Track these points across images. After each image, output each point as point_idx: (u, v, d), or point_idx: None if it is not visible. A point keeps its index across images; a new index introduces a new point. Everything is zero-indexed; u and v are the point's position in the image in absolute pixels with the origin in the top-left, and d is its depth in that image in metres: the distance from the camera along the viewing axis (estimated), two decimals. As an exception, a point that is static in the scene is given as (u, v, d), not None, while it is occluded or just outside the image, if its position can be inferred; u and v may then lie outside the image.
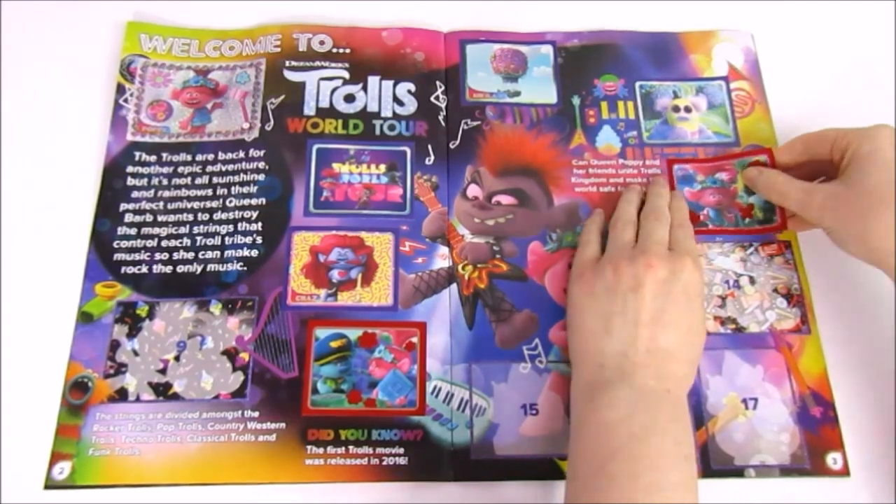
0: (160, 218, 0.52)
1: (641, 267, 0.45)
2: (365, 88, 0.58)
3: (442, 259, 0.52)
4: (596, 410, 0.42)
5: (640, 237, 0.49)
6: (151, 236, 0.52)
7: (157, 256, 0.51)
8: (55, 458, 0.45)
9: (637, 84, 0.59)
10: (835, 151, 0.49)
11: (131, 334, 0.49)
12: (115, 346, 0.49)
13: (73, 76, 0.58)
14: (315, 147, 0.55)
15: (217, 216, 0.53)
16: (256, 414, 0.47)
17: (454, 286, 0.51)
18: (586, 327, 0.46)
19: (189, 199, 0.53)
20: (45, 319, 0.49)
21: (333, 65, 0.58)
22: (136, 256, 0.51)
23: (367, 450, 0.47)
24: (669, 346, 0.44)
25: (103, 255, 0.51)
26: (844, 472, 0.47)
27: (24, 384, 0.48)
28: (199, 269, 0.51)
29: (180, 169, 0.54)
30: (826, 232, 0.48)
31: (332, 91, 0.57)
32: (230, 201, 0.53)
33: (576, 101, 0.58)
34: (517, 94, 0.59)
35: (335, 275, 0.51)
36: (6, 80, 0.58)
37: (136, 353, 0.48)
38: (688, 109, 0.58)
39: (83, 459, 0.45)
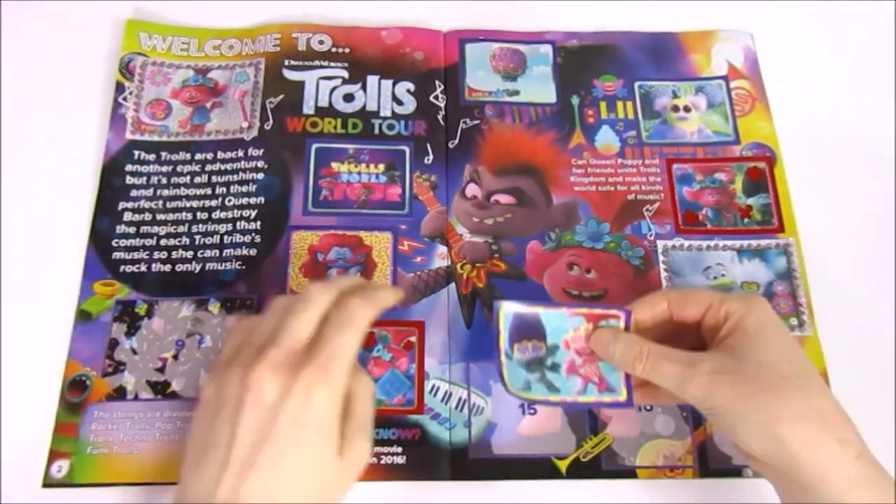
0: (159, 217, 0.53)
1: (243, 386, 0.34)
2: (364, 88, 0.58)
3: (440, 258, 0.52)
4: None
5: (274, 331, 0.37)
6: (150, 235, 0.52)
7: (156, 255, 0.51)
8: (53, 456, 0.45)
9: (636, 84, 0.59)
10: (709, 318, 0.41)
11: (130, 333, 0.49)
12: (113, 344, 0.49)
13: (73, 74, 0.58)
14: (314, 146, 0.55)
15: (216, 215, 0.53)
16: (255, 413, 0.47)
17: (452, 285, 0.51)
18: (186, 451, 0.36)
19: (188, 197, 0.53)
20: (44, 317, 0.49)
21: (333, 64, 0.58)
22: (135, 255, 0.51)
23: (365, 449, 0.47)
24: (261, 501, 0.33)
25: (102, 254, 0.51)
26: (843, 472, 0.46)
27: (22, 382, 0.48)
28: (198, 267, 0.51)
29: (179, 168, 0.54)
30: (708, 414, 0.40)
31: (332, 90, 0.57)
32: (229, 200, 0.53)
33: (575, 100, 0.58)
34: (516, 93, 0.59)
35: (334, 274, 0.51)
36: (6, 78, 0.58)
37: (134, 352, 0.48)
38: (687, 109, 0.58)
39: (81, 457, 0.45)
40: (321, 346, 0.36)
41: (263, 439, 0.34)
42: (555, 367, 0.43)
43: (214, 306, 0.50)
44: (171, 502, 0.36)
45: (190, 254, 0.51)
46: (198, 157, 0.55)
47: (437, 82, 0.58)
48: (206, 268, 0.51)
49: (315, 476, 0.35)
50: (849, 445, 0.36)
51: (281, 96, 0.57)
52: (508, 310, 0.43)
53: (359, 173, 0.55)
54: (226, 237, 0.52)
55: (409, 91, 0.58)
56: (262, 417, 0.34)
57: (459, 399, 0.48)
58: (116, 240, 0.52)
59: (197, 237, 0.52)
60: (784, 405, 0.36)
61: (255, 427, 0.34)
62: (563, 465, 0.46)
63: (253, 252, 0.51)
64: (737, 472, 0.46)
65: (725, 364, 0.38)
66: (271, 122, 0.56)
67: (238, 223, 0.52)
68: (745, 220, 0.54)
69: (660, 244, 0.53)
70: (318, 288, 0.39)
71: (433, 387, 0.48)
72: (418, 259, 0.52)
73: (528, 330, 0.43)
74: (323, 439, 0.35)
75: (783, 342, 0.39)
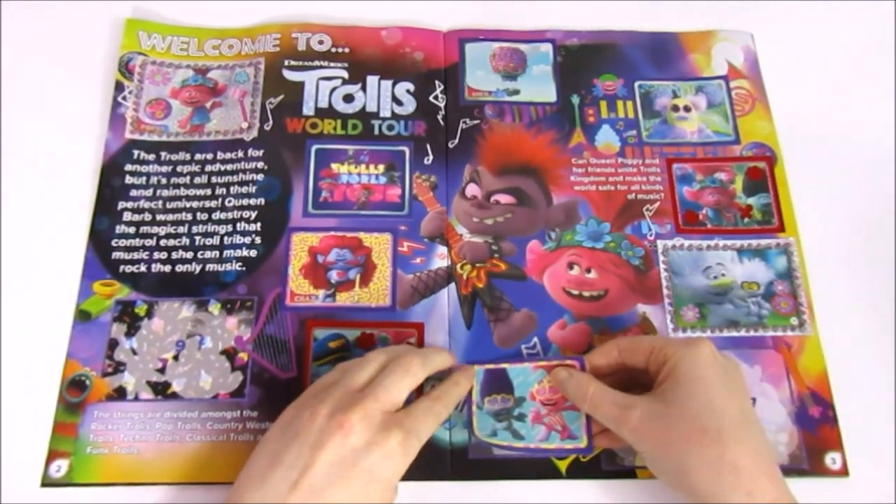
0: (159, 217, 0.52)
1: (334, 423, 0.38)
2: (364, 88, 0.58)
3: (440, 259, 0.52)
4: None
5: (370, 385, 0.41)
6: (150, 235, 0.52)
7: (156, 255, 0.51)
8: (52, 455, 0.45)
9: (636, 84, 0.59)
10: (651, 363, 0.43)
11: (130, 333, 0.49)
12: (113, 344, 0.49)
13: (72, 73, 0.58)
14: (314, 148, 0.55)
15: (216, 216, 0.53)
16: (255, 413, 0.47)
17: (452, 286, 0.51)
18: (252, 461, 0.39)
19: (188, 198, 0.53)
20: (43, 317, 0.49)
21: (332, 64, 0.58)
22: (135, 255, 0.51)
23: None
24: None
25: (101, 254, 0.51)
26: (843, 472, 0.47)
27: (21, 382, 0.48)
28: (198, 268, 0.51)
29: (179, 168, 0.54)
30: (641, 455, 0.42)
31: (332, 91, 0.57)
32: (229, 201, 0.53)
33: (575, 99, 0.58)
34: (516, 92, 0.58)
35: (334, 275, 0.51)
36: (5, 78, 0.58)
37: (134, 352, 0.48)
38: (687, 109, 0.58)
39: (81, 457, 0.45)
40: (411, 413, 0.41)
41: (339, 475, 0.37)
42: (521, 417, 0.46)
43: (215, 307, 0.50)
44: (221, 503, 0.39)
45: (190, 254, 0.51)
46: (197, 157, 0.55)
47: (436, 82, 0.58)
48: (206, 269, 0.51)
49: None
50: (757, 497, 0.37)
51: (281, 97, 0.57)
52: (479, 367, 0.47)
53: (358, 174, 0.55)
54: (226, 238, 0.52)
55: (408, 91, 0.58)
56: (343, 456, 0.37)
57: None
58: (116, 240, 0.52)
59: (197, 238, 0.52)
60: (697, 459, 0.38)
61: (334, 462, 0.37)
62: (562, 466, 0.46)
63: (253, 253, 0.51)
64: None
65: (653, 411, 0.40)
66: (271, 122, 0.56)
67: (238, 224, 0.52)
68: (746, 219, 0.54)
69: (660, 244, 0.53)
70: (416, 361, 0.43)
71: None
72: (418, 260, 0.52)
73: (497, 384, 0.47)
74: (383, 496, 0.39)
75: (713, 391, 0.40)
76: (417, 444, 0.40)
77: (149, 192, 0.53)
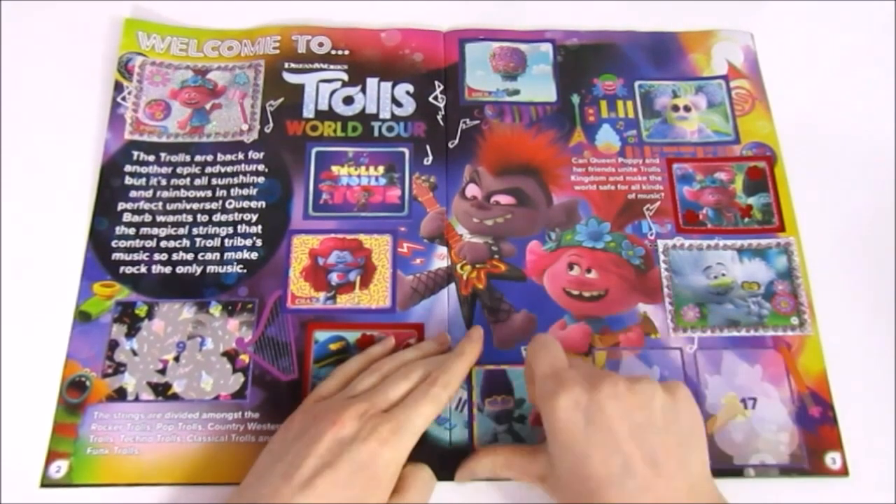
0: (159, 218, 0.52)
1: (328, 420, 0.39)
2: (364, 90, 0.58)
3: (440, 259, 0.52)
4: None
5: (371, 390, 0.43)
6: (150, 236, 0.52)
7: (156, 257, 0.51)
8: (52, 456, 0.45)
9: (636, 83, 0.59)
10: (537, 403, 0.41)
11: (130, 334, 0.49)
12: (113, 345, 0.49)
13: (71, 73, 0.58)
14: (314, 150, 0.55)
15: (216, 218, 0.52)
16: (257, 415, 0.47)
17: (452, 286, 0.51)
18: (258, 461, 0.41)
19: (188, 199, 0.53)
20: (43, 318, 0.49)
21: (332, 66, 0.58)
22: (135, 256, 0.51)
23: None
24: None
25: (101, 255, 0.51)
26: (843, 471, 0.47)
27: (21, 382, 0.48)
28: (199, 270, 0.51)
29: (179, 169, 0.54)
30: None
31: (332, 93, 0.57)
32: (229, 203, 0.53)
33: (575, 99, 0.58)
34: (516, 92, 0.58)
35: (334, 277, 0.51)
36: (4, 78, 0.58)
37: (134, 353, 0.48)
38: (687, 108, 0.58)
39: (80, 458, 0.45)
40: (404, 404, 0.41)
41: (326, 465, 0.38)
42: (521, 419, 0.46)
43: (216, 308, 0.50)
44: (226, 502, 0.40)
45: (190, 256, 0.51)
46: (197, 158, 0.55)
47: (436, 83, 0.58)
48: (207, 270, 0.51)
49: None
50: None
51: (281, 99, 0.57)
52: (479, 368, 0.48)
53: (358, 176, 0.55)
54: (226, 240, 0.52)
55: (408, 92, 0.58)
56: (332, 449, 0.38)
57: (460, 399, 0.48)
58: (116, 240, 0.52)
59: (197, 239, 0.52)
60: None
61: (323, 454, 0.38)
62: (563, 466, 0.46)
63: (254, 256, 0.51)
64: (737, 471, 0.47)
65: (544, 468, 0.40)
66: (271, 125, 0.56)
67: (239, 226, 0.52)
68: (746, 219, 0.54)
69: (660, 243, 0.53)
70: (418, 364, 0.44)
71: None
72: (418, 261, 0.52)
73: (497, 385, 0.47)
74: (373, 490, 0.38)
75: (575, 453, 0.36)
76: (410, 433, 0.40)
77: (149, 194, 0.53)
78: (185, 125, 0.56)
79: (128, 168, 0.54)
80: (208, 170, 0.54)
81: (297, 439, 0.40)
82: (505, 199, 0.54)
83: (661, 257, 0.53)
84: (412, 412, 0.41)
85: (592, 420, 0.36)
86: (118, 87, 0.57)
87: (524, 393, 0.47)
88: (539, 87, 0.59)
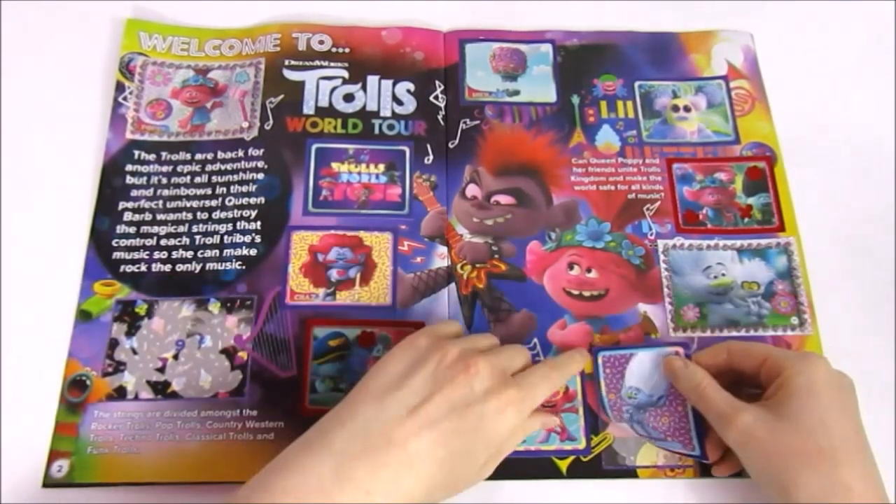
0: (159, 217, 0.53)
1: (462, 365, 0.39)
2: (364, 88, 0.58)
3: (440, 258, 0.52)
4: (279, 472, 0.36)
5: (494, 350, 0.42)
6: (150, 235, 0.52)
7: (156, 255, 0.51)
8: (53, 455, 0.45)
9: (636, 84, 0.59)
10: (764, 372, 0.43)
11: (130, 333, 0.49)
12: (113, 344, 0.49)
13: (73, 73, 0.58)
14: (314, 146, 0.55)
15: (216, 215, 0.53)
16: (255, 413, 0.47)
17: (452, 286, 0.51)
18: (372, 378, 0.40)
19: (188, 197, 0.53)
20: (44, 317, 0.49)
21: (333, 64, 0.58)
22: (135, 255, 0.51)
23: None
24: (422, 458, 0.36)
25: (102, 254, 0.51)
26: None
27: (22, 382, 0.48)
28: (198, 267, 0.51)
29: (179, 168, 0.54)
30: (743, 461, 0.42)
31: (332, 90, 0.57)
32: (229, 200, 0.53)
33: (575, 100, 0.58)
34: (516, 93, 0.59)
35: (334, 274, 0.51)
36: (6, 78, 0.58)
37: (134, 352, 0.48)
38: (687, 109, 0.58)
39: (82, 457, 0.45)
40: (529, 375, 0.41)
41: (453, 411, 0.37)
42: None
43: (215, 306, 0.50)
44: (333, 409, 0.39)
45: (190, 254, 0.51)
46: (198, 157, 0.55)
47: (437, 82, 0.58)
48: (207, 268, 0.51)
49: (458, 468, 0.38)
50: None
51: (281, 96, 0.57)
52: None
53: (359, 173, 0.55)
54: (226, 237, 0.52)
55: (409, 91, 0.58)
56: (463, 396, 0.38)
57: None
58: (116, 240, 0.52)
59: (197, 237, 0.52)
60: (808, 475, 0.38)
61: (454, 399, 0.38)
62: (563, 465, 0.46)
63: (253, 252, 0.51)
64: (738, 471, 0.46)
65: (764, 420, 0.40)
66: (271, 122, 0.56)
67: (238, 223, 0.52)
68: (746, 219, 0.54)
69: (660, 243, 0.53)
70: (520, 347, 0.45)
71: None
72: (418, 259, 0.52)
73: None
74: (484, 447, 0.39)
75: (828, 409, 0.40)
76: (530, 405, 0.41)
77: (149, 192, 0.53)
78: (185, 124, 0.56)
79: (129, 167, 0.54)
80: (208, 167, 0.54)
81: (422, 367, 0.39)
82: (505, 199, 0.55)
83: (661, 257, 0.53)
84: (536, 389, 0.41)
85: (839, 386, 0.41)
86: (119, 88, 0.57)
87: None
88: (539, 87, 0.59)
